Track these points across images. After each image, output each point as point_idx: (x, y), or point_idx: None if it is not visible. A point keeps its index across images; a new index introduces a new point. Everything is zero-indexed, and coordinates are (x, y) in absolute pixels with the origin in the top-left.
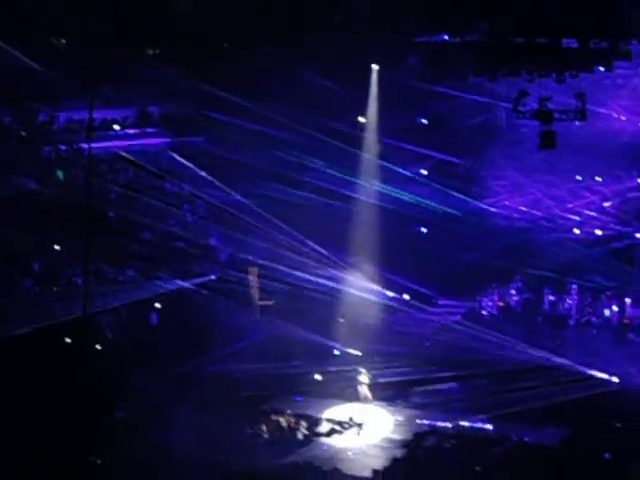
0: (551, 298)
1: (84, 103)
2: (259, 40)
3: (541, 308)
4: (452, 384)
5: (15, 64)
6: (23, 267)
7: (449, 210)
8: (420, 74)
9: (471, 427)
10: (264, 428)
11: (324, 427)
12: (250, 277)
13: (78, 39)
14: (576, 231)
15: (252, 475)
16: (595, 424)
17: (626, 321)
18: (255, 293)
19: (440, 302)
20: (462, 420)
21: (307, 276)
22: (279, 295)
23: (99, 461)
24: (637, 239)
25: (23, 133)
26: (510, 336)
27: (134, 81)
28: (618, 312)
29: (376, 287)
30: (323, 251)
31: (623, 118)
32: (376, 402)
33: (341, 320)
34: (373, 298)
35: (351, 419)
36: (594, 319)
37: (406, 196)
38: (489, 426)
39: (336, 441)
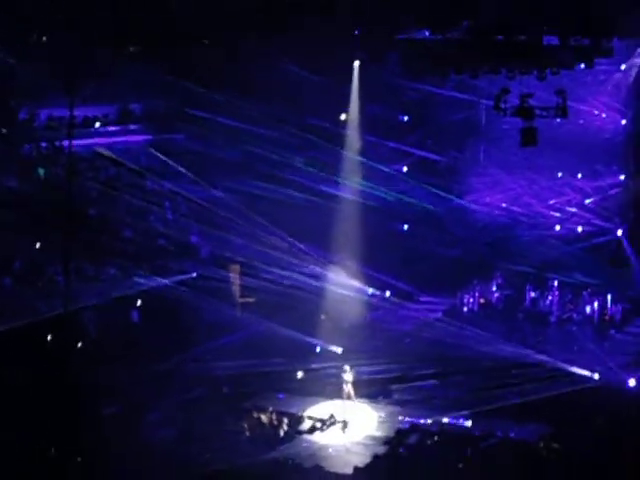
0: (532, 295)
1: (65, 100)
2: (241, 37)
3: (522, 305)
4: (433, 381)
5: None
6: (3, 265)
7: (430, 207)
8: (401, 71)
9: (453, 424)
10: (246, 425)
11: (306, 424)
12: (231, 274)
13: (59, 36)
14: (557, 227)
15: (233, 472)
16: (576, 420)
17: (607, 317)
18: (236, 290)
19: (421, 298)
20: (444, 417)
21: (289, 273)
22: (260, 292)
23: (79, 459)
24: (618, 236)
25: (3, 130)
26: (491, 332)
27: (115, 78)
28: (599, 308)
29: (358, 284)
30: (305, 248)
31: (604, 115)
32: (358, 399)
33: (323, 317)
34: (355, 295)
35: (332, 416)
36: (575, 315)
37: (387, 193)
38: (470, 423)
39: (318, 438)
